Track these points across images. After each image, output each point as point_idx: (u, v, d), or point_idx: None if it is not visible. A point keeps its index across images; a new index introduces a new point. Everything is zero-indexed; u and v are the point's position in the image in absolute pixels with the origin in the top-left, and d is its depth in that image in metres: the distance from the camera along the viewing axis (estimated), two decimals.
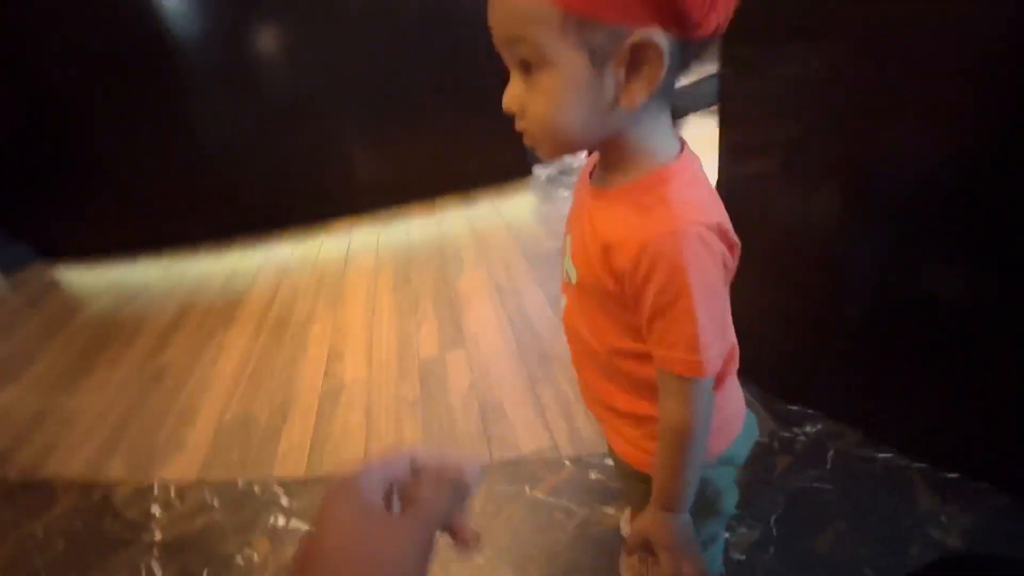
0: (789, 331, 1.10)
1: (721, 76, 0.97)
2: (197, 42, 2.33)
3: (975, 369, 0.86)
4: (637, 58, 0.38)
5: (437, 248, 2.27)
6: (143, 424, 1.60)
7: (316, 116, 2.52)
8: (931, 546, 0.85)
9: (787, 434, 1.09)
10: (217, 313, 2.15)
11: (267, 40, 2.36)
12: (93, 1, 2.25)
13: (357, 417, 1.43)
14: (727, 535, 0.90)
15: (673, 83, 0.43)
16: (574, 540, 1.00)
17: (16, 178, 2.68)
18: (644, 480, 0.60)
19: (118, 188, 2.70)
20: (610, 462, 1.12)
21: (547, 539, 1.00)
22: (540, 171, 2.79)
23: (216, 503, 1.25)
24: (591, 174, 0.52)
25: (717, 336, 0.45)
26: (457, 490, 0.32)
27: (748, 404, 0.63)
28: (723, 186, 0.93)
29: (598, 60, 0.38)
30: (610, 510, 1.03)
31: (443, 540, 0.31)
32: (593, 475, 1.11)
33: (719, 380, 0.55)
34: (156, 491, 1.32)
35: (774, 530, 0.93)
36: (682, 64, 0.41)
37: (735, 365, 0.57)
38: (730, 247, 0.46)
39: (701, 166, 0.47)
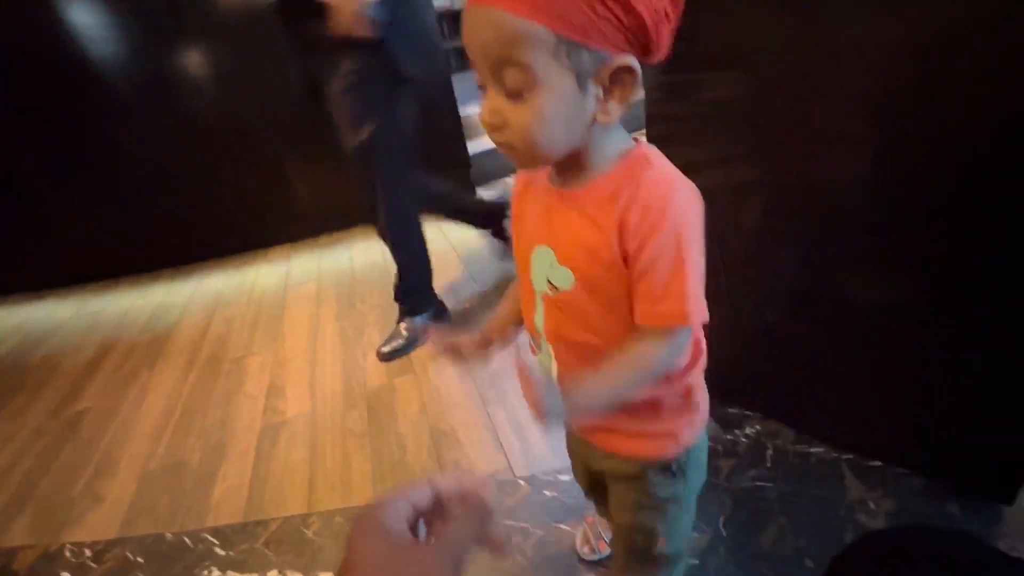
0: (724, 337, 1.15)
1: (647, 99, 1.03)
2: (122, 64, 2.21)
3: (889, 367, 0.94)
4: (615, 80, 0.43)
5: (382, 272, 2.22)
6: (55, 479, 1.44)
7: (251, 140, 2.43)
8: (861, 531, 0.91)
9: (729, 436, 1.14)
10: (141, 352, 1.99)
11: (198, 63, 2.27)
12: (8, 23, 2.09)
13: (300, 453, 1.36)
14: None
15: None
16: (532, 561, 0.98)
17: None
18: (650, 471, 0.62)
19: (28, 220, 2.47)
20: (564, 477, 1.12)
21: (505, 562, 0.98)
22: (483, 192, 2.82)
23: (141, 561, 1.14)
24: (550, 180, 0.54)
25: (700, 288, 0.48)
26: (481, 510, 0.32)
27: None
28: None
29: (582, 81, 0.42)
30: (566, 527, 1.03)
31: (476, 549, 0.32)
32: (548, 493, 1.11)
33: (697, 353, 0.59)
34: (67, 554, 1.19)
35: (723, 532, 0.96)
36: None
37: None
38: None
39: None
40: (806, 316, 1.01)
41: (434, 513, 0.33)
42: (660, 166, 0.49)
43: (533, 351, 0.63)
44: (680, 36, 0.45)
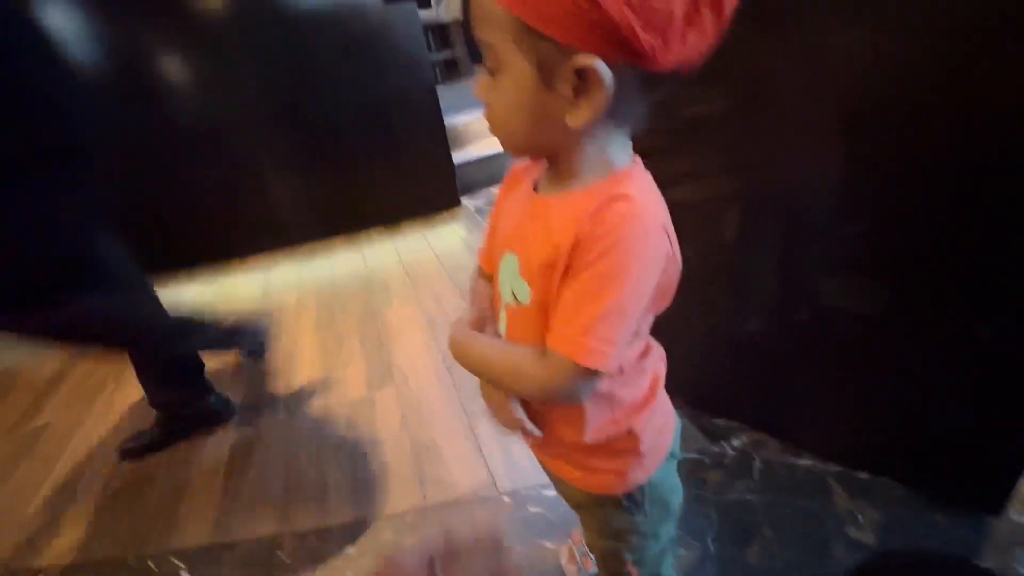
0: (708, 348, 1.15)
1: None
2: (95, 66, 2.14)
3: (872, 377, 0.94)
4: (584, 81, 0.38)
5: (364, 282, 2.18)
6: (7, 499, 1.35)
7: (230, 146, 2.38)
8: (851, 545, 0.90)
9: (716, 448, 1.12)
10: (109, 364, 1.90)
11: (175, 67, 2.22)
12: None
13: (275, 469, 1.30)
14: None
15: (632, 108, 0.43)
16: None
17: None
18: (603, 504, 0.59)
19: None
20: (549, 492, 1.09)
21: None
22: (469, 202, 2.81)
23: None
24: (535, 188, 0.51)
25: (615, 331, 0.43)
26: None
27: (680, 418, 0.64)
28: None
29: (545, 74, 0.39)
30: (550, 544, 1.00)
31: None
32: (532, 508, 1.07)
33: (654, 383, 0.56)
34: None
35: (711, 547, 0.94)
36: (644, 93, 0.41)
37: (664, 367, 0.57)
38: (669, 257, 0.45)
39: (652, 181, 0.48)
40: (787, 327, 1.01)
41: None
42: (636, 191, 0.43)
43: None
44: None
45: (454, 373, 1.52)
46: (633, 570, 0.65)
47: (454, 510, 1.10)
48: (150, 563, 1.11)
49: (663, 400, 0.58)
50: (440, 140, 2.62)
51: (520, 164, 0.56)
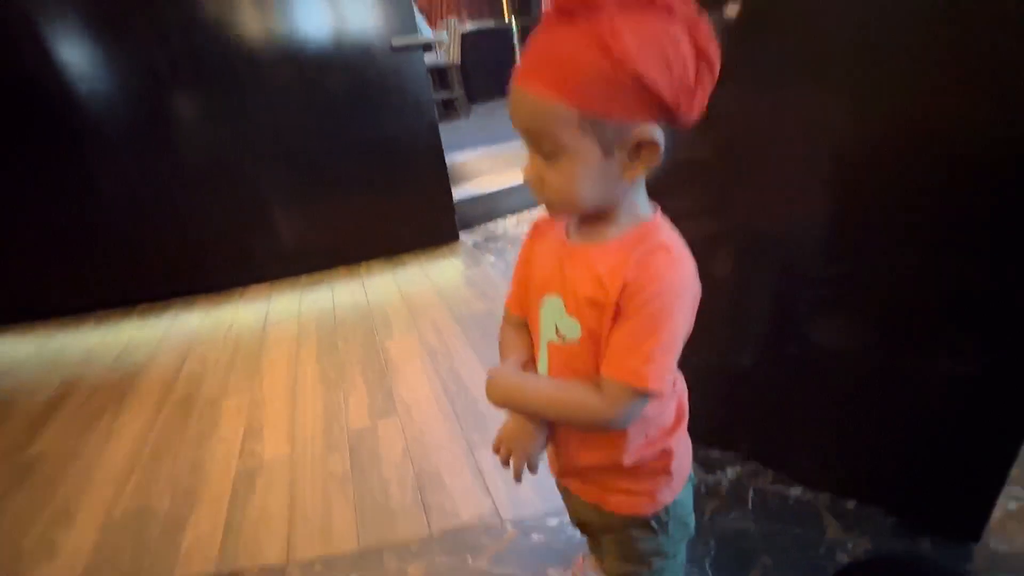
0: (704, 382, 1.20)
1: None
2: (107, 99, 2.23)
3: (859, 409, 1.00)
4: (639, 147, 0.47)
5: (364, 313, 2.22)
6: (2, 532, 1.33)
7: (234, 177, 2.46)
8: None
9: (712, 477, 1.17)
10: (107, 391, 1.90)
11: (185, 101, 2.31)
12: None
13: (278, 498, 1.31)
14: None
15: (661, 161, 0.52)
16: None
17: None
18: (632, 526, 0.64)
19: None
20: (552, 521, 1.12)
21: None
22: (467, 237, 2.89)
23: None
24: (566, 234, 0.58)
25: (669, 360, 0.51)
26: None
27: None
28: None
29: (607, 147, 0.47)
30: (553, 572, 1.02)
31: None
32: (536, 537, 1.10)
33: (680, 408, 0.62)
34: None
35: (710, 573, 0.97)
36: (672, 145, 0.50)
37: (686, 393, 0.64)
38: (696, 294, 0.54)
39: (672, 227, 0.56)
40: (778, 361, 1.08)
41: None
42: (669, 239, 0.52)
43: None
44: None
45: (456, 404, 1.56)
46: None
47: (458, 538, 1.12)
48: None
49: (686, 424, 0.64)
50: (441, 177, 2.72)
51: (544, 217, 0.63)
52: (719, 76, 0.47)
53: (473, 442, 1.40)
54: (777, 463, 1.17)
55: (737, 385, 1.16)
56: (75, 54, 2.15)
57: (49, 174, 2.30)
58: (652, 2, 0.42)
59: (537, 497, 1.19)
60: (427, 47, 2.58)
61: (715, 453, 1.23)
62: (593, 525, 0.72)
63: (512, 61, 6.71)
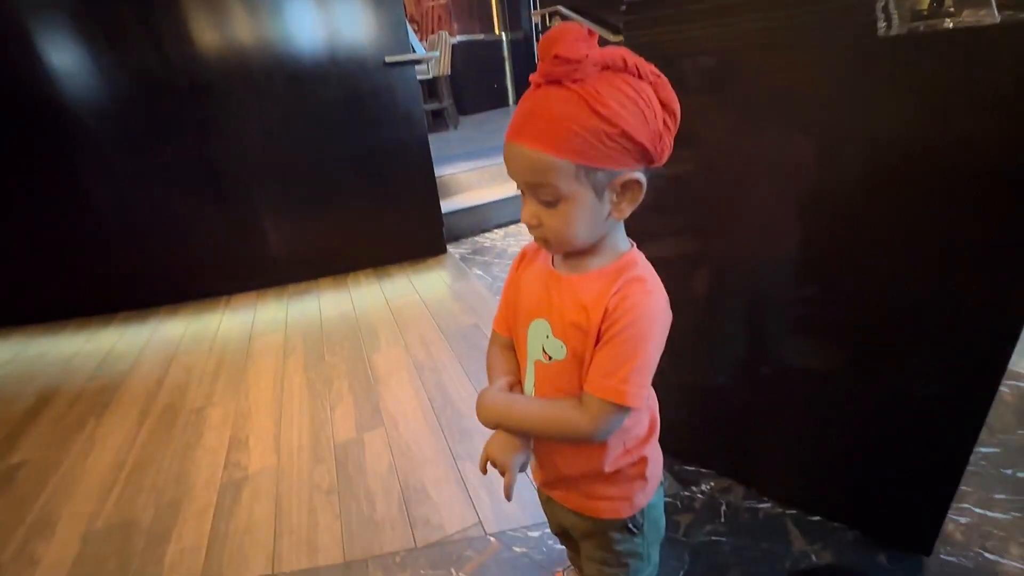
0: (679, 400, 1.26)
1: None
2: (96, 105, 2.23)
3: (823, 428, 1.07)
4: (625, 188, 0.54)
5: (351, 324, 2.24)
6: None
7: (224, 186, 2.47)
8: None
9: (687, 493, 1.22)
10: (88, 400, 1.89)
11: (175, 108, 2.32)
12: None
13: (264, 510, 1.33)
14: None
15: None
16: None
17: None
18: (611, 529, 0.70)
19: None
20: (533, 533, 1.16)
21: None
22: (454, 250, 2.93)
23: None
24: (552, 263, 0.64)
25: (645, 379, 0.57)
26: None
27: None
28: None
29: (599, 191, 0.54)
30: None
31: None
32: (517, 549, 1.14)
33: (653, 419, 0.68)
34: None
35: None
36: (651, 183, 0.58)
37: (657, 406, 0.70)
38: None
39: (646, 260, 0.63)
40: (750, 381, 1.14)
41: None
42: (644, 272, 0.59)
43: None
44: None
45: (441, 417, 1.59)
46: None
47: (443, 551, 1.15)
48: None
49: (658, 434, 0.70)
50: (430, 189, 2.77)
51: (532, 245, 0.68)
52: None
53: (458, 455, 1.43)
54: (749, 479, 1.23)
55: (712, 404, 1.22)
56: (65, 59, 2.15)
57: (32, 177, 2.29)
58: (624, 67, 0.50)
59: (520, 510, 1.23)
60: (419, 63, 2.63)
61: (690, 468, 1.29)
62: (574, 531, 0.77)
63: (502, 73, 6.81)
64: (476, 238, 3.10)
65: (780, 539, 1.09)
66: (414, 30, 5.74)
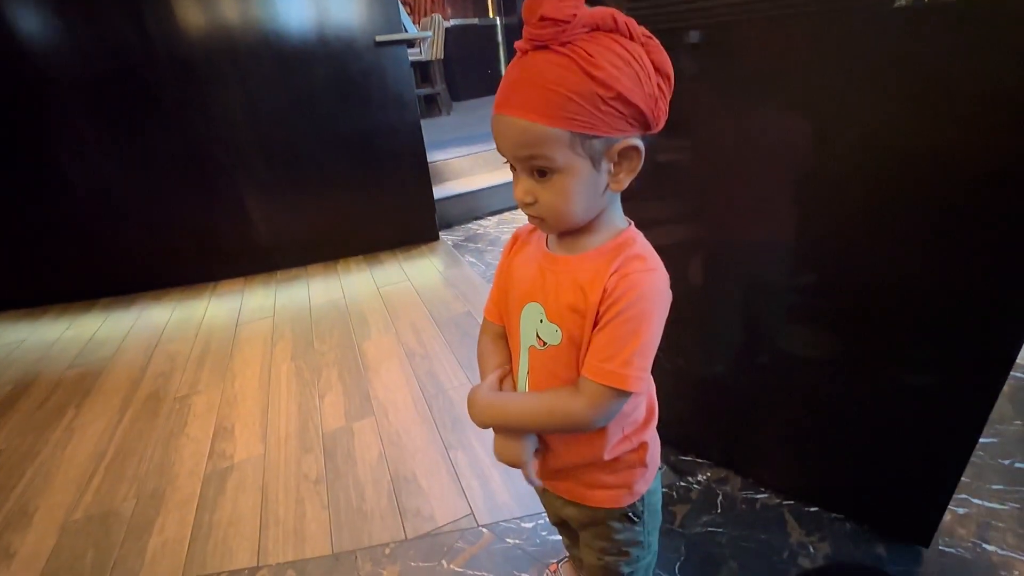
0: (676, 390, 1.24)
1: None
2: (77, 84, 2.14)
3: (822, 418, 1.04)
4: (623, 156, 0.51)
5: (341, 312, 2.20)
6: None
7: (209, 168, 2.39)
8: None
9: (683, 483, 1.20)
10: (68, 388, 1.83)
11: (157, 88, 2.23)
12: None
13: (250, 500, 1.29)
14: None
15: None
16: None
17: None
18: (611, 518, 0.68)
19: None
20: (526, 525, 1.13)
21: None
22: (446, 236, 2.88)
23: None
24: (547, 245, 0.60)
25: (646, 362, 0.54)
26: None
27: None
28: None
29: (596, 161, 0.50)
30: None
31: None
32: (510, 540, 1.11)
33: (651, 405, 0.66)
34: None
35: None
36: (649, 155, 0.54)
37: (655, 392, 0.67)
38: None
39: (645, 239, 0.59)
40: (748, 370, 1.11)
41: None
42: (643, 250, 0.56)
43: None
44: None
45: (433, 406, 1.55)
46: None
47: (434, 542, 1.13)
48: None
49: (656, 420, 0.67)
50: (422, 175, 2.71)
51: (525, 228, 0.64)
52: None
53: (450, 444, 1.40)
54: (746, 470, 1.21)
55: (710, 393, 1.20)
56: (39, 35, 2.06)
57: (6, 158, 2.20)
58: (615, 27, 0.47)
59: (512, 501, 1.20)
60: (411, 44, 2.56)
61: (686, 459, 1.27)
62: (573, 522, 0.74)
63: (496, 58, 6.69)
64: (469, 225, 3.05)
65: (778, 530, 1.07)
66: (407, 12, 5.60)
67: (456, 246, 2.76)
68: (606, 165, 0.51)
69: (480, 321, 0.71)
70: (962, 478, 0.92)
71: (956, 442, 0.90)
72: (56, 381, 1.88)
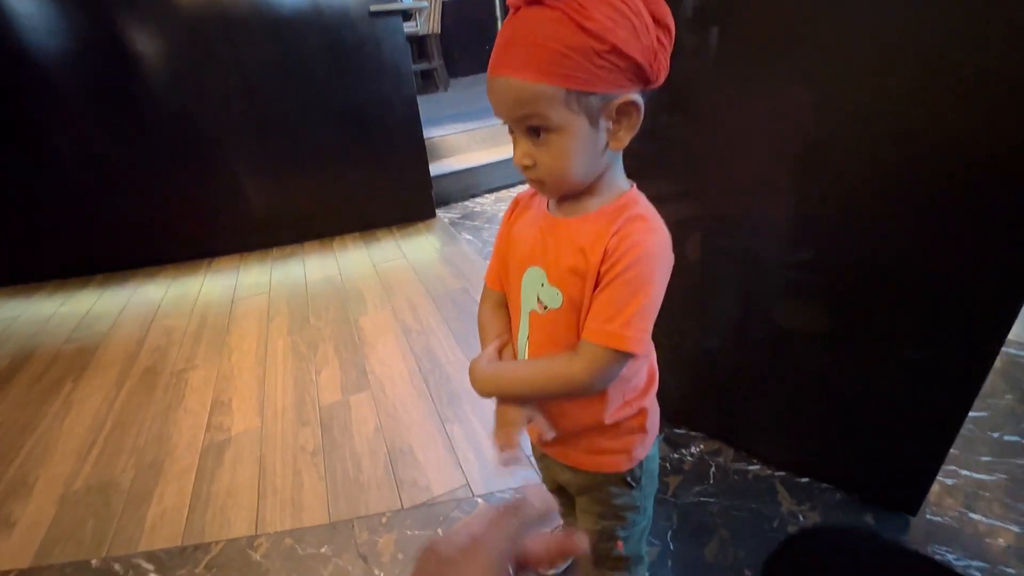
0: (671, 363, 1.24)
1: None
2: (69, 60, 2.09)
3: (812, 391, 1.05)
4: (622, 112, 0.49)
5: (337, 288, 2.19)
6: None
7: (204, 143, 2.35)
8: None
9: (676, 455, 1.22)
10: (65, 362, 1.84)
11: (151, 62, 2.18)
12: None
13: (247, 472, 1.30)
14: None
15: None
16: None
17: None
18: (609, 483, 0.68)
19: None
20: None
21: None
22: (443, 214, 2.86)
23: None
24: (548, 207, 0.59)
25: (647, 323, 0.53)
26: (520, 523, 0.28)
27: None
28: None
29: (593, 118, 0.49)
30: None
31: None
32: None
33: (652, 370, 0.65)
34: None
35: (671, 545, 1.02)
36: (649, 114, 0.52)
37: (655, 357, 0.67)
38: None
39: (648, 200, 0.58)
40: (741, 344, 1.12)
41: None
42: (645, 211, 0.55)
43: None
44: None
45: (429, 380, 1.56)
46: (623, 546, 0.73)
47: (430, 512, 1.14)
48: (116, 566, 1.09)
49: (656, 386, 0.67)
50: (419, 151, 2.67)
51: (525, 192, 0.63)
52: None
53: (446, 418, 1.41)
54: (738, 442, 1.22)
55: (703, 367, 1.20)
56: (27, 4, 1.99)
57: (4, 135, 2.16)
58: None
59: (508, 471, 1.21)
60: (406, 14, 2.49)
61: (680, 431, 1.28)
62: (571, 487, 0.74)
63: (495, 34, 6.54)
64: (466, 202, 3.02)
65: (769, 500, 1.09)
66: None
67: (453, 224, 2.74)
68: (604, 123, 0.50)
69: (477, 297, 0.70)
70: (951, 450, 0.93)
71: (946, 415, 0.90)
72: (53, 355, 1.88)
